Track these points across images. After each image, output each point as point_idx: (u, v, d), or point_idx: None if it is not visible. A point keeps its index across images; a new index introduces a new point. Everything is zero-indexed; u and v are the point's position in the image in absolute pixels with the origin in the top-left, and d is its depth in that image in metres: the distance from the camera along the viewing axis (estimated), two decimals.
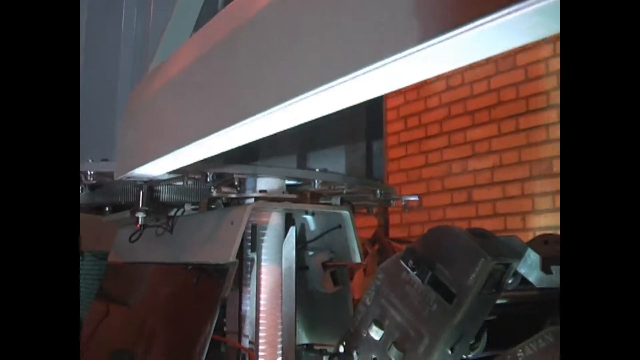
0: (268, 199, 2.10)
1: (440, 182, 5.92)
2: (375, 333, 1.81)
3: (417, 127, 6.25)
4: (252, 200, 2.09)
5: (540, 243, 2.20)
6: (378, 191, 2.39)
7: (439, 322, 1.70)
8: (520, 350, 1.57)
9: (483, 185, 5.49)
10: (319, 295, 2.40)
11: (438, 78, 6.08)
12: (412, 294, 1.77)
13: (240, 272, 2.16)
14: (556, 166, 4.95)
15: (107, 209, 2.64)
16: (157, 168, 1.78)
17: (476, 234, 1.81)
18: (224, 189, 2.07)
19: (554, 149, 4.98)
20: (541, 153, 5.08)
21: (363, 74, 0.87)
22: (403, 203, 2.51)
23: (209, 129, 1.31)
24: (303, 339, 2.50)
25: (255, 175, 2.11)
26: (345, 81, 0.91)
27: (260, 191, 2.10)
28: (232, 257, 1.95)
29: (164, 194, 2.25)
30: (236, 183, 2.07)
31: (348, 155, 2.36)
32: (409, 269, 1.75)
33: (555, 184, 4.95)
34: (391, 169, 6.45)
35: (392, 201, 2.58)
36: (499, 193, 5.36)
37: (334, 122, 2.32)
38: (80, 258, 3.13)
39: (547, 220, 4.96)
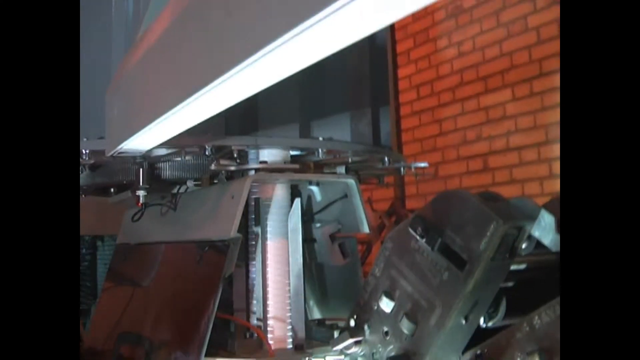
0: (269, 170, 2.02)
1: (455, 151, 5.83)
2: (386, 305, 1.73)
3: (429, 95, 6.16)
4: (253, 172, 2.01)
5: (556, 205, 2.12)
6: (386, 158, 2.31)
7: (451, 291, 1.62)
8: (536, 317, 1.49)
9: (499, 151, 5.40)
10: (329, 269, 2.34)
11: (449, 44, 5.97)
12: (422, 263, 1.69)
13: (245, 247, 2.09)
14: None
15: (112, 190, 2.58)
16: (144, 141, 1.71)
17: (486, 198, 1.72)
18: (223, 162, 1.99)
19: None
20: (556, 116, 4.97)
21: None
22: (413, 170, 2.42)
23: (183, 95, 1.24)
24: (315, 314, 2.44)
25: (256, 147, 2.04)
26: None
27: (261, 162, 2.02)
28: (233, 232, 1.88)
29: (165, 171, 2.18)
30: (235, 155, 2.00)
31: (353, 123, 2.28)
32: (417, 237, 1.67)
33: None
34: (406, 139, 6.37)
35: (402, 169, 2.50)
36: (515, 159, 5.27)
37: (338, 89, 2.24)
38: (100, 243, 3.09)
39: None
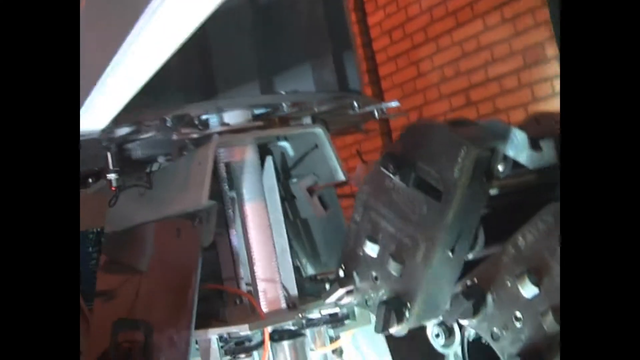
0: (232, 131, 1.96)
1: (436, 90, 5.77)
2: (371, 249, 1.69)
3: (402, 39, 6.08)
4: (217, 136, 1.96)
5: (532, 123, 2.06)
6: (355, 103, 2.24)
7: (432, 224, 1.57)
8: (520, 238, 1.44)
9: (479, 84, 5.35)
10: (314, 223, 2.29)
11: None
12: (400, 200, 1.64)
13: (224, 214, 2.04)
14: (549, 50, 4.78)
15: (89, 180, 2.52)
16: (97, 114, 1.65)
17: (455, 124, 1.67)
18: (184, 131, 1.93)
19: (544, 33, 4.80)
20: (532, 39, 4.90)
21: None
22: (384, 110, 2.36)
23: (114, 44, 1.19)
24: (309, 270, 2.40)
25: (217, 111, 1.97)
26: None
27: (223, 125, 1.96)
28: (205, 199, 1.83)
29: (136, 151, 2.13)
30: (196, 122, 1.94)
31: (316, 72, 2.22)
32: (391, 175, 1.62)
33: (551, 69, 4.78)
34: (386, 86, 6.31)
35: (375, 112, 2.43)
36: (496, 89, 5.21)
37: (294, 40, 2.18)
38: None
39: (548, 106, 4.80)
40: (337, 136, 2.70)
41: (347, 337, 2.19)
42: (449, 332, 1.70)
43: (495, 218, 1.66)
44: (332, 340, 2.14)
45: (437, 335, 1.72)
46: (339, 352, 2.18)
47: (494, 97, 5.23)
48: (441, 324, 1.70)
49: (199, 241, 1.83)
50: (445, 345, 1.72)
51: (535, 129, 1.99)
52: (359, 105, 2.28)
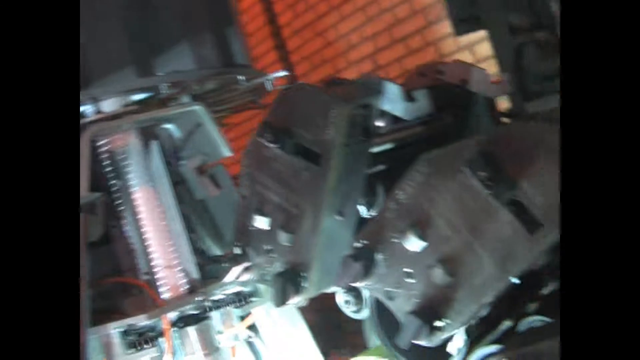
0: (106, 119, 1.89)
1: (344, 58, 5.72)
2: (261, 222, 1.64)
3: (306, 11, 6.01)
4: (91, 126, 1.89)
5: (417, 76, 2.04)
6: (239, 77, 2.19)
7: (315, 189, 1.53)
8: (399, 192, 1.41)
9: (385, 47, 5.31)
10: (212, 203, 2.24)
11: None
12: (281, 169, 1.60)
13: (112, 205, 1.97)
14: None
15: None
16: None
17: (330, 84, 1.63)
18: None
19: None
20: None
21: None
22: (271, 81, 2.31)
23: None
24: (216, 252, 2.34)
25: (92, 101, 1.90)
26: None
27: (98, 113, 1.89)
28: (84, 192, 1.76)
29: None
30: None
31: (196, 50, 2.16)
32: (269, 144, 1.58)
33: None
34: (295, 59, 6.24)
35: (266, 84, 2.39)
36: (402, 50, 5.19)
37: (169, 20, 2.12)
38: None
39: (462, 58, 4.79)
40: (237, 114, 2.65)
41: (259, 313, 2.15)
42: (358, 298, 1.67)
43: (396, 172, 1.63)
44: (243, 318, 2.10)
45: (347, 302, 1.68)
46: (253, 329, 2.15)
47: (401, 58, 5.21)
48: (350, 291, 1.66)
49: (84, 236, 1.76)
50: (357, 311, 1.69)
51: (419, 81, 1.98)
52: (245, 79, 2.23)
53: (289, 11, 6.11)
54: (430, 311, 1.37)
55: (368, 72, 4.60)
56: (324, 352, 2.80)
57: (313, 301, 1.68)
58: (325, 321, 2.95)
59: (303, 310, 2.30)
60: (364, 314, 1.68)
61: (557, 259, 1.39)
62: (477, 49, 4.31)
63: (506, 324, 1.49)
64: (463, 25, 2.15)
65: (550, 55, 2.10)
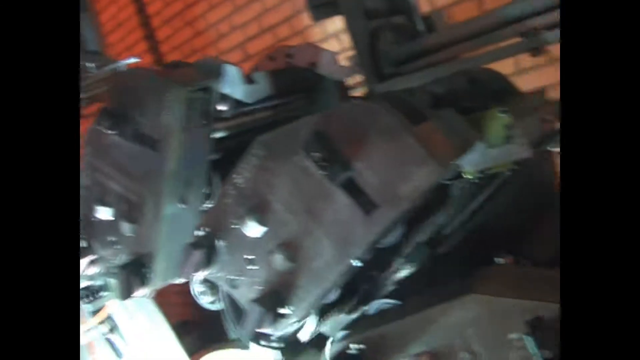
0: None
1: (213, 48, 5.66)
2: (103, 213, 1.58)
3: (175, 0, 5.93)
4: None
5: (267, 60, 2.02)
6: (88, 64, 2.11)
7: (154, 177, 1.48)
8: (236, 177, 1.37)
9: (254, 36, 5.28)
10: None
11: None
12: (121, 157, 1.54)
13: None
14: None
15: None
16: None
17: (169, 67, 1.59)
18: None
19: None
20: None
21: None
22: (125, 66, 2.24)
23: None
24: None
25: None
26: None
27: None
28: None
29: None
30: None
31: None
32: (106, 131, 1.51)
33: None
34: (165, 50, 6.13)
35: (118, 69, 2.31)
36: (271, 39, 5.17)
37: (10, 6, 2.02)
38: None
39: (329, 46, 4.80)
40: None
41: (114, 308, 2.08)
42: (213, 288, 1.62)
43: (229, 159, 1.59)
44: (95, 314, 2.03)
45: (203, 293, 1.63)
46: (112, 325, 2.08)
47: (270, 47, 5.20)
48: (205, 281, 1.62)
49: None
50: (213, 302, 1.64)
51: (268, 65, 1.96)
52: (95, 66, 2.16)
53: (158, 0, 6.00)
54: (274, 298, 1.34)
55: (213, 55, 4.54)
56: (199, 347, 2.75)
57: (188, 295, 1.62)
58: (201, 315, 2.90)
59: (179, 305, 2.25)
60: (221, 305, 1.64)
61: (404, 241, 1.41)
62: (343, 37, 4.33)
63: (356, 307, 1.47)
64: (319, 10, 2.13)
65: (404, 39, 2.11)
